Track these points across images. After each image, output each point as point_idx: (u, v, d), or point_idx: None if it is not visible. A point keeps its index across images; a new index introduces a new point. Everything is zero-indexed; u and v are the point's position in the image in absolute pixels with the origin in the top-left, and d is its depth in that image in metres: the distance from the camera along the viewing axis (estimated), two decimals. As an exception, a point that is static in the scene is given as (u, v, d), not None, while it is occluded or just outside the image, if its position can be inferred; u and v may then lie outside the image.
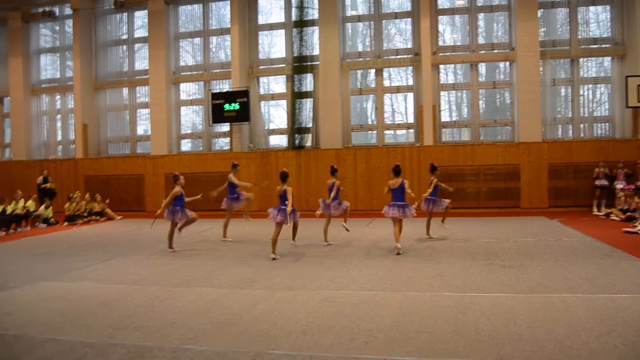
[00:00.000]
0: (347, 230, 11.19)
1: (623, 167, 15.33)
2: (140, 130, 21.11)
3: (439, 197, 11.43)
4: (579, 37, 17.22)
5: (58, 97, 21.76)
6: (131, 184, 19.73)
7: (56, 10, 21.45)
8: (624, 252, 9.09)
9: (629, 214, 13.04)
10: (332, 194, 10.76)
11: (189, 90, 20.66)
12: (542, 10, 17.37)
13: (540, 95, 16.86)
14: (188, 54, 20.85)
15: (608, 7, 17.24)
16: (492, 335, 5.07)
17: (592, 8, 17.42)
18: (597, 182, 15.56)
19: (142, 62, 20.92)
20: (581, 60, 17.33)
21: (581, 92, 17.30)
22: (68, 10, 21.09)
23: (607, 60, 17.41)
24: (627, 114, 16.55)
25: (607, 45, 17.13)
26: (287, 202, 9.44)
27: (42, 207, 16.47)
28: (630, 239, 10.49)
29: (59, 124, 21.76)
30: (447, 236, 11.48)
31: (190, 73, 20.27)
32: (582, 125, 17.29)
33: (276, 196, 9.90)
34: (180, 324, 5.73)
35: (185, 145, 20.65)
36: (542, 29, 17.48)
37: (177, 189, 10.72)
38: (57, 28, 21.92)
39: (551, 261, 8.51)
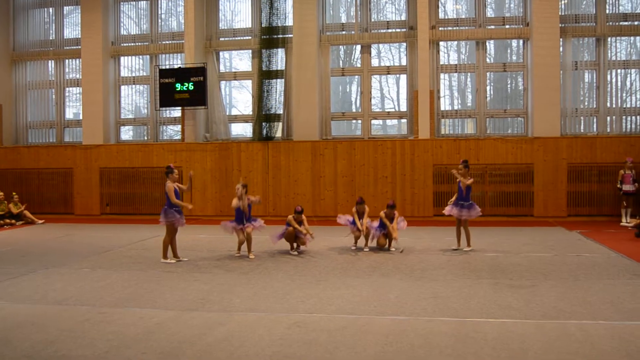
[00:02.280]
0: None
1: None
2: (69, 114, 20.82)
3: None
4: (607, 12, 17.51)
5: (-34, 70, 21.37)
6: (57, 181, 19.46)
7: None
8: (655, 270, 9.28)
9: (662, 225, 13.30)
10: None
11: (131, 65, 20.46)
12: (563, -22, 17.68)
13: (559, 81, 17.11)
14: (131, 21, 20.65)
15: (641, -23, 17.61)
16: (497, 369, 5.13)
17: (622, -23, 17.79)
18: (624, 187, 15.83)
19: (73, 29, 20.64)
20: (609, 39, 17.63)
21: (609, 78, 17.61)
22: (-20, -37, 20.75)
23: (639, 40, 17.75)
24: (662, 105, 16.92)
25: (640, 23, 17.50)
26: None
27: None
28: (663, 256, 10.72)
29: (-34, 104, 21.39)
30: (444, 249, 11.57)
31: (133, 44, 20.08)
32: (608, 118, 17.60)
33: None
34: (114, 353, 5.67)
35: (126, 134, 20.45)
36: (563, 1, 17.75)
37: (170, 184, 10.65)
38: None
39: (569, 281, 8.65)
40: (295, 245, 11.58)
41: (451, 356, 5.42)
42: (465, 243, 11.55)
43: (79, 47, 19.87)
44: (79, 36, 19.93)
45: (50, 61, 20.69)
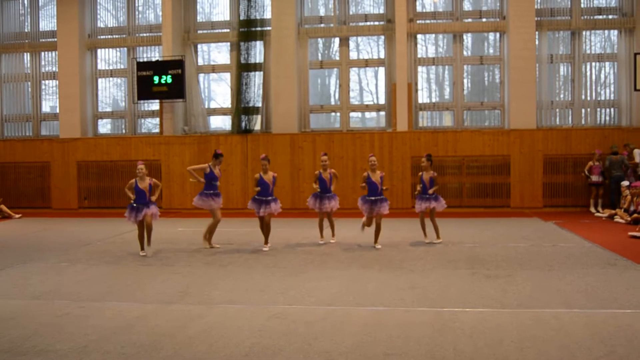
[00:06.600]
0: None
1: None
2: (46, 107, 20.59)
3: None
4: (582, 5, 17.68)
5: (-61, 63, 21.03)
6: (34, 174, 19.25)
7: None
8: (629, 260, 9.41)
9: (635, 215, 13.49)
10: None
11: (108, 58, 20.27)
12: (539, -28, 17.79)
13: (535, 74, 17.27)
14: (108, 13, 20.44)
15: (615, -29, 17.80)
16: (473, 357, 5.18)
17: (597, -29, 17.95)
18: (592, 178, 16.05)
19: (49, 20, 20.37)
20: (584, 33, 17.81)
21: (583, 71, 17.80)
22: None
23: (613, 34, 17.96)
24: (636, 97, 17.12)
25: (614, 16, 17.66)
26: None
27: None
28: (636, 245, 10.86)
29: (-60, 98, 21.05)
30: (423, 240, 11.64)
31: (110, 37, 19.88)
32: (583, 111, 17.80)
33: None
34: (94, 347, 5.64)
35: (104, 127, 20.27)
36: (539, -5, 17.89)
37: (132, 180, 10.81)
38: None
39: (544, 270, 8.76)
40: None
41: (429, 346, 5.48)
42: (434, 235, 11.59)
43: (55, 39, 19.62)
44: (55, 28, 19.67)
45: (25, 54, 20.40)
